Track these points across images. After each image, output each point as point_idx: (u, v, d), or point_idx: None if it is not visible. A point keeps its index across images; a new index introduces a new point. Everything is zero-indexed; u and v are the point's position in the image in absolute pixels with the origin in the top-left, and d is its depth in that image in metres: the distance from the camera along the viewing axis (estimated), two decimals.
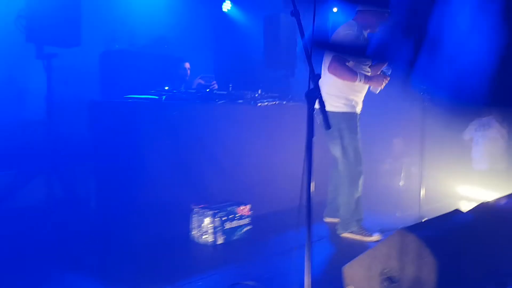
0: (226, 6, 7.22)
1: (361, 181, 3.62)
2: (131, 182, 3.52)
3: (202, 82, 4.74)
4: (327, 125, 1.93)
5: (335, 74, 3.42)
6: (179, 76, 5.02)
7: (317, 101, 1.95)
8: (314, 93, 1.92)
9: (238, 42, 6.78)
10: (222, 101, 4.13)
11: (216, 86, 4.79)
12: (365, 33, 3.59)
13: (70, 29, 3.72)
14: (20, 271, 2.86)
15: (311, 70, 1.93)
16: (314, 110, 1.94)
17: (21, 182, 3.96)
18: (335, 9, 6.66)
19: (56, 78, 3.98)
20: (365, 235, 3.56)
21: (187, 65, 5.20)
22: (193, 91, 4.11)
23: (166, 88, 4.05)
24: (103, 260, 3.12)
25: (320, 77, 1.96)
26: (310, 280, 1.98)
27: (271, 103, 4.43)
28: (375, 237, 3.53)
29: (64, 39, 3.73)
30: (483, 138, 5.26)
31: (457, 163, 5.28)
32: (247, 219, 3.66)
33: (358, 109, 3.68)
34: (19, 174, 4.00)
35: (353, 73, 3.45)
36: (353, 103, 3.59)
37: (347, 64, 3.46)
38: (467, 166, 5.31)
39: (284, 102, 4.56)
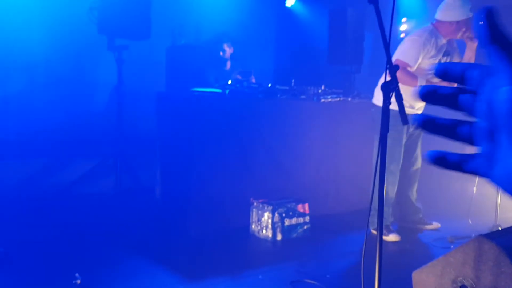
0: (290, 2, 7.14)
1: (390, 184, 3.51)
2: (193, 174, 3.56)
3: (239, 77, 4.63)
4: (405, 120, 1.80)
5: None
6: (221, 59, 4.91)
7: (393, 95, 1.83)
8: (391, 85, 1.80)
9: (301, 37, 6.68)
10: (284, 97, 4.07)
11: (254, 80, 4.63)
12: (443, 39, 3.42)
13: (141, 22, 3.83)
14: (87, 256, 2.98)
15: (389, 60, 1.81)
16: (390, 103, 1.82)
17: (91, 170, 4.14)
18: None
19: (125, 70, 4.11)
20: (386, 234, 3.44)
21: (226, 46, 4.96)
22: (255, 85, 4.08)
23: (229, 82, 4.05)
24: (164, 249, 3.17)
25: (398, 68, 1.83)
26: (378, 284, 1.86)
27: (335, 99, 4.29)
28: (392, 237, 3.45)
29: (134, 32, 3.84)
30: None
31: None
32: (307, 217, 3.58)
33: (414, 111, 3.51)
34: (92, 163, 4.18)
35: (413, 78, 3.32)
36: (410, 104, 3.45)
37: (408, 69, 3.33)
38: None
39: (349, 99, 4.40)
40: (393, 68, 1.81)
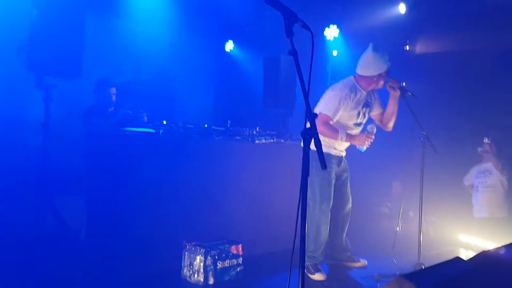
0: (229, 46, 7.38)
1: (323, 224, 3.65)
2: (123, 215, 3.44)
3: (129, 112, 4.55)
4: (323, 165, 1.88)
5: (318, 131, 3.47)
6: (104, 101, 4.61)
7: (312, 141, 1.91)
8: (310, 132, 1.89)
9: (238, 80, 6.87)
10: (220, 137, 4.11)
11: (146, 119, 4.47)
12: (364, 92, 3.68)
13: (71, 61, 3.76)
14: None
15: (308, 109, 1.91)
16: (309, 149, 1.90)
17: (15, 209, 3.88)
18: (335, 52, 6.79)
19: (54, 108, 3.98)
20: (312, 273, 3.59)
21: (113, 90, 4.71)
22: (191, 126, 4.09)
23: (164, 122, 4.04)
24: None
25: (316, 116, 1.94)
26: None
27: (269, 140, 4.40)
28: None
29: (64, 71, 3.76)
30: (482, 185, 5.17)
31: (457, 209, 5.19)
32: (240, 258, 3.55)
33: (337, 152, 3.75)
34: (15, 202, 3.93)
35: (334, 132, 3.57)
36: (331, 145, 3.69)
37: (330, 122, 3.56)
38: (467, 213, 5.21)
39: (282, 141, 4.54)
40: (312, 116, 1.90)
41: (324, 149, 3.54)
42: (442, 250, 4.48)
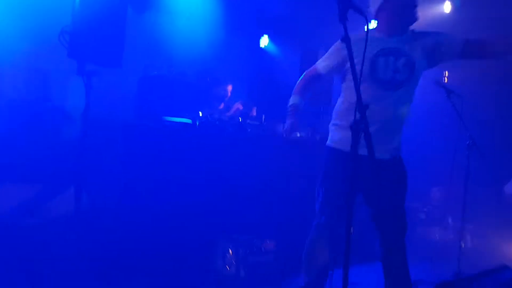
0: (264, 42, 7.32)
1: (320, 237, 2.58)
2: (156, 206, 3.44)
3: (241, 107, 4.69)
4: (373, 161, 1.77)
5: None
6: (218, 97, 4.98)
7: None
8: (360, 125, 1.79)
9: (273, 76, 6.81)
10: (254, 131, 4.08)
11: (254, 113, 4.72)
12: None
13: (113, 50, 3.76)
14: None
15: (359, 99, 1.81)
16: (358, 143, 1.80)
17: (49, 195, 3.94)
18: None
19: (94, 96, 4.01)
20: None
21: (229, 87, 5.13)
22: (226, 118, 4.08)
23: (200, 114, 4.03)
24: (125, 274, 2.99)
25: (368, 108, 1.83)
26: None
27: (302, 135, 4.34)
28: None
29: (106, 59, 3.77)
30: None
31: (501, 219, 4.93)
32: (271, 254, 3.50)
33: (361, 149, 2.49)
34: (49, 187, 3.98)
35: None
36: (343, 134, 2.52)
37: None
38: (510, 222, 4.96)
39: (317, 138, 4.46)
40: (363, 108, 1.80)
41: (331, 143, 2.66)
42: (483, 260, 4.27)
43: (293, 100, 2.69)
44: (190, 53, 5.89)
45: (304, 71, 5.41)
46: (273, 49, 7.29)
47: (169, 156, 3.49)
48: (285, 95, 6.33)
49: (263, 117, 4.45)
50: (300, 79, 2.76)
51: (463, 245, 3.55)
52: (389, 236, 2.51)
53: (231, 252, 3.33)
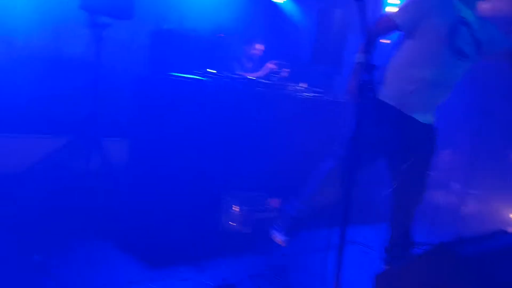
0: None
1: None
2: (160, 161, 3.51)
3: (274, 67, 4.65)
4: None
5: None
6: (247, 56, 4.87)
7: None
8: (368, 85, 1.80)
9: (288, 34, 6.67)
10: (265, 90, 4.07)
11: (286, 74, 4.68)
12: None
13: (125, 1, 3.74)
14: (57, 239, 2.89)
15: (368, 59, 1.81)
16: (365, 102, 1.82)
17: (75, 149, 4.00)
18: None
19: (105, 49, 4.01)
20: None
21: (260, 46, 4.98)
22: (238, 76, 4.07)
23: (212, 70, 4.01)
24: (129, 235, 3.12)
25: (374, 68, 1.83)
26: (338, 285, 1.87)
27: (315, 95, 4.34)
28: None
29: (117, 11, 3.75)
30: None
31: (508, 184, 4.91)
32: (277, 211, 3.58)
33: (408, 108, 2.53)
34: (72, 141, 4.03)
35: None
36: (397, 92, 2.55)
37: None
38: None
39: (328, 98, 4.45)
40: (370, 68, 1.81)
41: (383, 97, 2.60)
42: (486, 226, 4.33)
43: (361, 58, 2.45)
44: (202, 8, 5.78)
45: (319, 30, 5.15)
46: (290, 6, 7.06)
47: (177, 112, 3.51)
48: (297, 54, 6.20)
49: (276, 76, 4.45)
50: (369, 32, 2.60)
51: (465, 210, 3.59)
52: (405, 196, 2.67)
53: (236, 208, 3.41)
